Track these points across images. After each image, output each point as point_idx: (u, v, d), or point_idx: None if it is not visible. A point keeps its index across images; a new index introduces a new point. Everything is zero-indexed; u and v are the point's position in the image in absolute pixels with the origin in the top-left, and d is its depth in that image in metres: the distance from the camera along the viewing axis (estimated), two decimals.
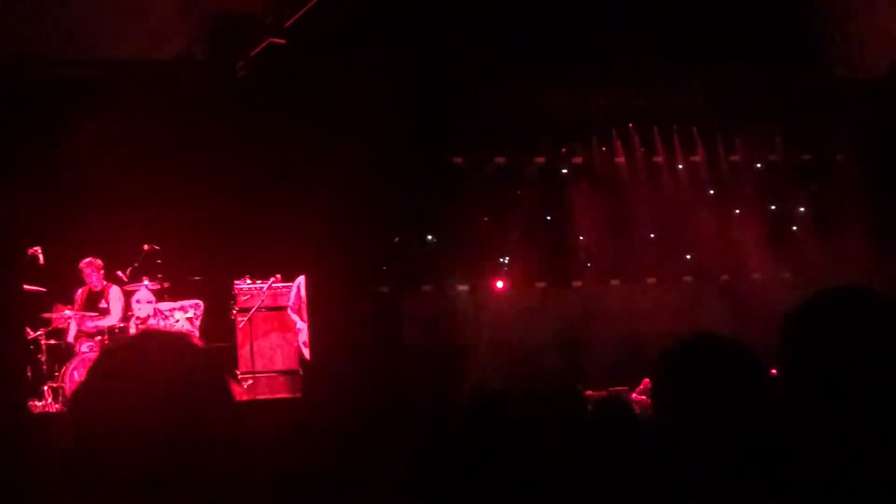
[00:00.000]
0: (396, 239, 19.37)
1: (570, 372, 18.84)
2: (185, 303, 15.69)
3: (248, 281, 16.13)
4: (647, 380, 18.53)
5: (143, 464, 2.12)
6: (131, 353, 2.32)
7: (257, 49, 15.33)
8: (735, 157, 21.51)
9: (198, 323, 15.55)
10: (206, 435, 2.19)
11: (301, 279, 16.24)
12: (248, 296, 16.05)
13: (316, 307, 16.62)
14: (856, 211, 19.96)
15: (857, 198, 20.11)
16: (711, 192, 21.48)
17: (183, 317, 15.52)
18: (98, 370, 2.30)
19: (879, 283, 19.09)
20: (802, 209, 21.39)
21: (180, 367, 2.26)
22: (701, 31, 18.35)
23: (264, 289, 16.06)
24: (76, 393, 2.31)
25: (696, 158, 21.33)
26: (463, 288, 20.19)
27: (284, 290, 16.25)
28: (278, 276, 16.21)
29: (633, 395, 18.16)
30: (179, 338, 2.49)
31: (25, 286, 14.71)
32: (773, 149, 21.50)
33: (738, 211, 21.44)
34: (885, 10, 18.06)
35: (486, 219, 20.36)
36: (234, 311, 15.96)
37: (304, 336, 16.04)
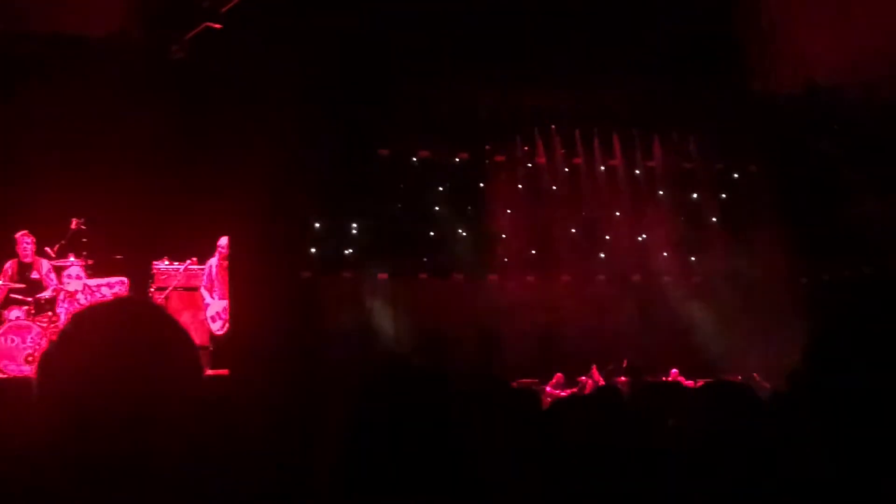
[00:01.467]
0: (317, 225, 19.55)
1: (484, 363, 19.22)
2: (112, 279, 15.83)
3: (167, 262, 16.30)
4: (559, 374, 19.04)
5: (110, 428, 2.12)
6: (105, 319, 2.30)
7: (193, 32, 15.42)
8: (652, 163, 21.99)
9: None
10: (175, 402, 2.21)
11: (213, 260, 16.43)
12: (166, 275, 16.23)
13: (236, 288, 16.80)
14: (765, 219, 20.50)
15: (766, 207, 20.65)
16: (628, 195, 21.93)
17: (109, 292, 15.66)
18: (70, 334, 2.26)
19: (784, 289, 19.84)
20: (714, 215, 21.90)
21: (154, 335, 2.26)
22: (627, 40, 18.85)
23: (181, 270, 16.24)
24: (46, 355, 2.27)
25: (615, 162, 21.78)
26: (383, 276, 20.41)
27: (199, 271, 16.43)
28: (194, 258, 16.37)
29: (547, 388, 18.60)
30: (154, 308, 2.54)
31: None
32: (689, 156, 22.02)
33: (652, 214, 21.94)
34: (801, 31, 18.63)
35: (408, 210, 20.61)
36: (152, 290, 16.12)
37: (212, 311, 16.28)
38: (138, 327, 2.27)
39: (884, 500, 2.45)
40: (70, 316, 2.59)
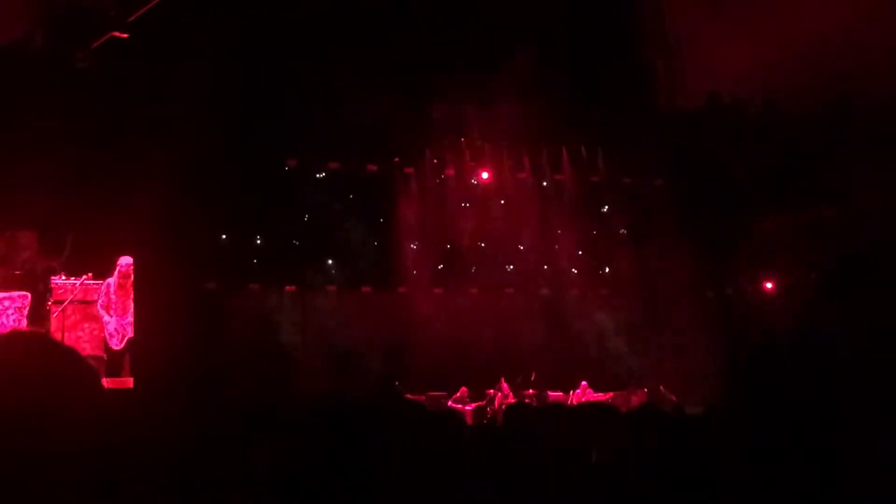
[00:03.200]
0: (224, 237, 19.38)
1: (392, 375, 19.18)
2: (15, 293, 15.87)
3: (63, 277, 16.28)
4: (464, 388, 19.06)
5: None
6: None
7: (98, 41, 15.21)
8: (560, 177, 22.13)
9: (26, 312, 15.82)
10: (72, 429, 2.15)
11: (112, 279, 16.40)
12: (63, 290, 16.24)
13: (142, 300, 16.62)
14: (671, 233, 20.74)
15: (673, 220, 20.90)
16: (536, 208, 22.04)
17: (13, 305, 15.68)
18: None
19: (690, 301, 20.10)
20: (621, 229, 22.10)
21: (49, 366, 2.20)
22: (537, 56, 19.00)
23: (77, 285, 16.24)
24: None
25: (523, 175, 21.88)
26: (290, 289, 20.28)
27: (94, 286, 16.42)
28: (90, 273, 16.32)
29: (450, 402, 18.61)
30: (46, 339, 2.38)
31: None
32: (597, 170, 22.21)
33: (560, 228, 22.07)
34: (704, 46, 18.92)
35: (317, 222, 20.49)
36: (50, 303, 16.10)
37: (110, 328, 16.29)
38: (32, 359, 2.21)
39: None
40: None
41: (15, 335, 2.44)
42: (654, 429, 3.87)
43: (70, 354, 2.30)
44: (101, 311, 16.43)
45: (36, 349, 2.26)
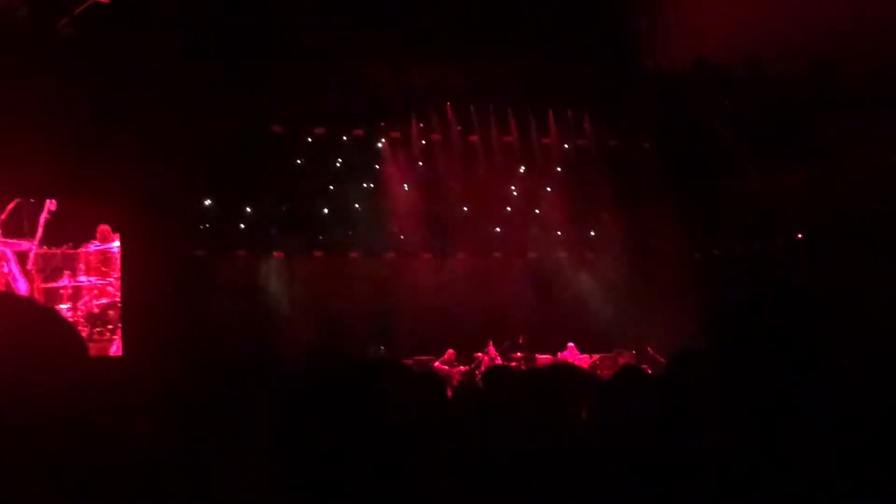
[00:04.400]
0: (210, 203, 19.34)
1: (380, 340, 19.23)
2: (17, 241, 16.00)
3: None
4: (451, 350, 19.11)
5: None
6: None
7: (80, 7, 15.13)
8: (547, 140, 22.11)
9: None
10: (56, 395, 2.13)
11: (93, 246, 16.44)
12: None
13: (129, 268, 16.63)
14: (658, 195, 20.77)
15: (659, 183, 20.92)
16: (523, 171, 22.05)
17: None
18: None
19: (677, 263, 20.16)
20: (608, 192, 22.08)
21: (31, 330, 2.17)
22: (521, 17, 18.93)
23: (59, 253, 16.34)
24: None
25: (510, 139, 21.86)
26: (278, 255, 20.28)
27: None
28: (70, 242, 16.36)
29: (436, 363, 18.68)
30: (31, 303, 2.40)
31: None
32: (583, 133, 22.19)
33: (547, 191, 22.08)
34: (690, 7, 18.87)
35: (303, 187, 20.47)
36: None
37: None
38: (14, 323, 2.19)
39: (785, 471, 2.44)
40: None
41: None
42: (631, 390, 3.89)
43: (53, 317, 2.28)
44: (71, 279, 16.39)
45: (16, 311, 2.24)
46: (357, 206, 20.96)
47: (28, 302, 2.40)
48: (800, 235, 19.81)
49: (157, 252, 16.69)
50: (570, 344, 19.79)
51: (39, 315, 2.26)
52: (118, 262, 16.92)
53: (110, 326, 16.73)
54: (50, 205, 16.22)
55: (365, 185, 21.06)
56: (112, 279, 16.91)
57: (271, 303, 19.68)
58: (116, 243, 16.96)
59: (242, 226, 19.86)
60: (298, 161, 20.34)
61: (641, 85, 20.88)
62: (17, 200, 16.12)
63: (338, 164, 20.82)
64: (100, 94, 16.00)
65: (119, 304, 16.83)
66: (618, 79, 20.74)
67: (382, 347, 18.64)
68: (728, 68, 20.62)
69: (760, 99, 19.93)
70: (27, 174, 15.56)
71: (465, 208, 21.65)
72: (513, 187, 21.97)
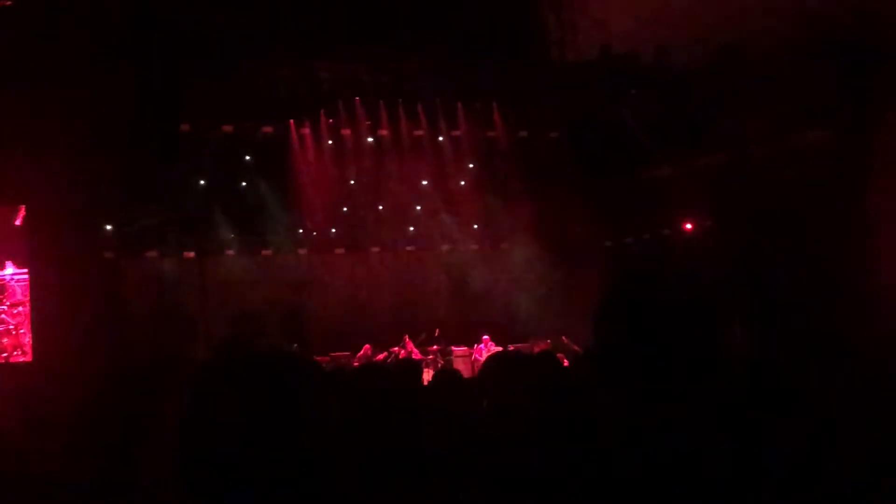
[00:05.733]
0: (119, 205, 19.09)
1: (294, 337, 19.15)
2: None
3: None
4: (367, 346, 19.11)
5: None
6: None
7: None
8: (456, 132, 22.16)
9: None
10: None
11: None
12: None
13: (37, 271, 16.41)
14: (569, 185, 20.90)
15: (570, 173, 21.07)
16: (434, 164, 22.08)
17: None
18: None
19: (590, 252, 20.35)
20: (519, 183, 22.18)
21: None
22: (427, 11, 18.95)
23: None
24: None
25: (420, 132, 21.87)
26: (188, 254, 20.10)
27: None
28: None
29: (354, 361, 18.67)
30: None
31: None
32: (492, 125, 22.26)
33: (459, 184, 22.15)
34: None
35: (213, 186, 20.31)
36: None
37: None
38: None
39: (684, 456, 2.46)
40: None
41: None
42: (542, 373, 3.92)
43: None
44: None
45: None
46: (269, 203, 20.85)
47: None
48: (708, 222, 20.09)
49: (66, 254, 16.46)
50: (485, 336, 19.88)
51: None
52: (11, 289, 16.74)
53: (5, 354, 16.57)
54: None
55: (276, 182, 20.94)
56: (5, 307, 16.74)
57: (183, 303, 19.49)
58: (9, 270, 16.79)
59: (152, 227, 19.64)
60: (208, 160, 20.15)
61: (548, 75, 21.01)
62: None
63: (248, 162, 20.69)
64: (9, 96, 15.73)
65: (13, 332, 16.65)
66: (525, 70, 20.85)
67: (296, 345, 18.56)
68: (634, 56, 20.85)
69: (667, 87, 20.17)
70: None
71: (378, 203, 21.66)
72: (424, 181, 22.00)
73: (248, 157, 20.69)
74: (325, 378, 2.35)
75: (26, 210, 16.41)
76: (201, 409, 2.23)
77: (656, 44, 20.29)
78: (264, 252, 21.00)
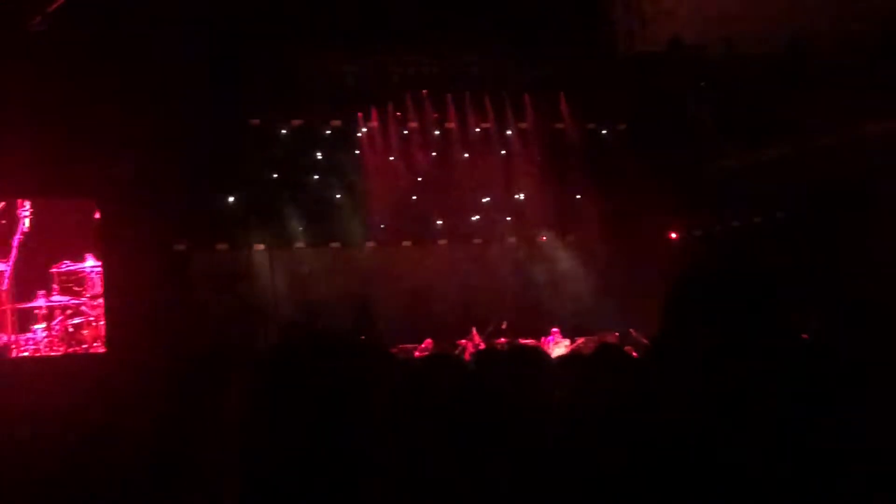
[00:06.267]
0: (190, 198, 19.28)
1: (363, 330, 19.21)
2: None
3: None
4: (428, 340, 19.14)
5: None
6: None
7: (54, 5, 15.08)
8: (524, 125, 22.10)
9: None
10: None
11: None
12: None
13: (109, 264, 16.61)
14: (637, 177, 20.77)
15: (638, 164, 20.94)
16: (502, 157, 22.04)
17: None
18: None
19: (659, 244, 20.23)
20: (587, 174, 22.08)
21: None
22: (495, 3, 18.93)
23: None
24: None
25: (487, 125, 21.85)
26: (259, 247, 20.26)
27: None
28: None
29: (416, 353, 18.69)
30: None
31: None
32: (560, 117, 22.16)
33: (526, 176, 22.07)
34: None
35: (283, 179, 20.45)
36: None
37: None
38: None
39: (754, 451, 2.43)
40: None
41: None
42: (608, 370, 3.90)
43: None
44: None
45: None
46: (337, 196, 20.95)
47: None
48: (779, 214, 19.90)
49: (137, 247, 16.66)
50: (554, 328, 19.82)
51: None
52: (91, 281, 16.96)
53: (84, 345, 16.78)
54: (23, 225, 16.21)
55: (344, 175, 21.03)
56: (85, 298, 16.96)
57: (253, 295, 19.65)
58: (89, 262, 17.00)
59: (223, 219, 19.81)
60: (277, 153, 20.29)
61: (616, 67, 20.90)
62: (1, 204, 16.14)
63: (317, 156, 20.79)
64: (74, 91, 15.93)
65: (92, 324, 16.85)
66: (593, 61, 20.74)
67: (363, 336, 18.63)
68: (702, 48, 20.66)
69: (736, 77, 19.98)
70: (7, 175, 15.51)
71: (445, 196, 21.65)
72: (491, 173, 21.95)
73: (316, 151, 20.79)
74: (395, 366, 2.36)
75: (98, 204, 16.62)
76: (266, 395, 2.23)
77: (725, 35, 20.09)
78: (332, 244, 21.08)
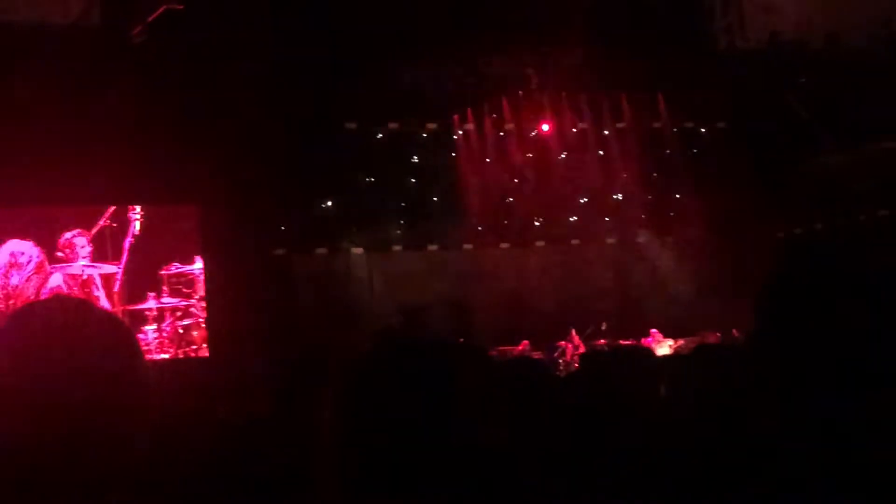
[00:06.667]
0: (288, 202, 19.48)
1: (460, 332, 19.24)
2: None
3: None
4: (525, 342, 19.11)
5: (49, 428, 2.00)
6: (42, 315, 2.17)
7: (154, 15, 15.31)
8: (621, 124, 21.95)
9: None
10: (115, 403, 2.07)
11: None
12: None
13: (211, 268, 16.83)
14: (737, 176, 20.53)
15: (738, 163, 20.69)
16: (598, 157, 21.92)
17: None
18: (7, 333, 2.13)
19: (758, 243, 19.95)
20: (685, 173, 21.89)
21: (92, 333, 2.13)
22: (590, 2, 18.82)
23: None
24: None
25: (584, 125, 21.74)
26: (357, 251, 20.39)
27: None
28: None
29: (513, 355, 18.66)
30: (88, 304, 2.34)
31: None
32: (657, 116, 21.98)
33: (624, 175, 21.93)
34: None
35: (379, 183, 20.58)
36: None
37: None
38: (74, 325, 2.14)
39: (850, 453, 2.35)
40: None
41: (55, 301, 2.45)
42: (709, 368, 3.85)
43: (110, 320, 2.25)
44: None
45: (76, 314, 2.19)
46: (434, 199, 21.01)
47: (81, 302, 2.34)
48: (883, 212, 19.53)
49: (238, 251, 16.86)
50: (653, 330, 19.67)
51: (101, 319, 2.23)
52: (200, 283, 17.16)
53: (194, 346, 16.99)
54: (133, 229, 16.48)
55: (440, 178, 21.09)
56: (195, 300, 17.16)
57: (352, 298, 19.79)
58: (198, 265, 17.21)
59: (321, 224, 20.01)
60: (374, 157, 20.43)
61: (715, 64, 20.67)
62: (111, 208, 16.40)
63: (413, 159, 20.88)
64: (176, 96, 16.18)
65: (202, 325, 17.05)
66: (691, 58, 20.52)
67: (462, 339, 18.65)
68: (803, 43, 20.35)
69: (838, 72, 19.64)
70: (113, 182, 15.77)
71: (542, 197, 21.58)
72: (588, 174, 21.84)
73: (413, 154, 20.88)
74: (494, 368, 2.34)
75: (199, 210, 16.84)
76: (361, 397, 2.22)
77: (826, 29, 19.76)
78: (430, 247, 21.14)
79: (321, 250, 20.08)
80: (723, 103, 21.35)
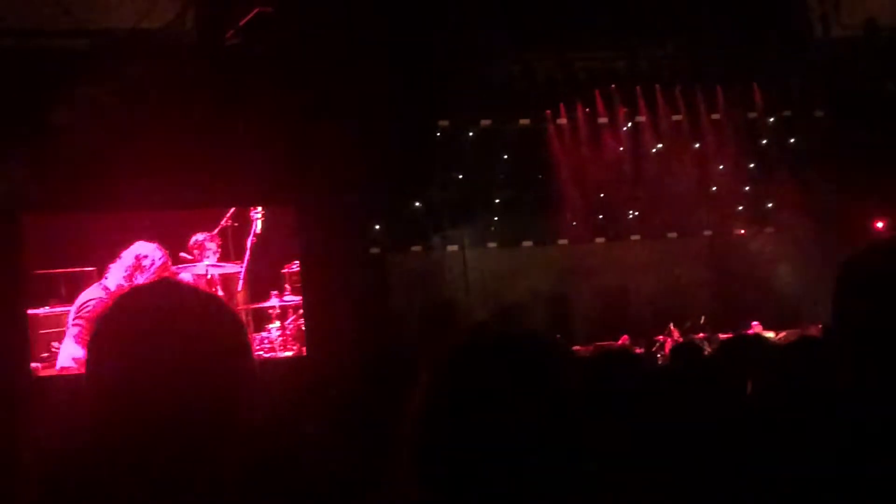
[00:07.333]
0: (382, 201, 19.58)
1: (557, 329, 19.19)
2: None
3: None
4: (625, 336, 18.98)
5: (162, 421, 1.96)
6: (153, 299, 2.13)
7: (246, 18, 15.49)
8: (716, 115, 21.69)
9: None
10: (226, 390, 2.04)
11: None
12: None
13: (307, 268, 16.96)
14: (835, 164, 20.20)
15: (836, 151, 20.36)
16: (694, 149, 21.69)
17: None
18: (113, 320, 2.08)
19: (858, 234, 19.58)
20: (783, 164, 21.58)
21: (207, 319, 2.09)
22: None
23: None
24: (94, 337, 2.09)
25: (678, 117, 21.52)
26: (451, 248, 20.44)
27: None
28: None
29: None
30: (196, 290, 2.28)
31: None
32: (753, 106, 21.68)
33: (720, 167, 21.69)
34: None
35: (473, 180, 20.59)
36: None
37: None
38: (184, 310, 2.09)
39: None
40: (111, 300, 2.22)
41: (163, 284, 2.39)
42: (801, 358, 3.78)
43: (221, 306, 2.19)
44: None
45: (189, 299, 2.14)
46: (528, 195, 20.96)
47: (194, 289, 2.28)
48: None
49: (334, 251, 16.97)
50: (755, 322, 19.41)
51: (210, 303, 2.18)
52: None
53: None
54: (255, 227, 16.63)
55: (534, 173, 21.04)
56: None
57: (447, 296, 19.84)
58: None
59: (416, 222, 20.10)
60: (467, 154, 20.44)
61: (811, 52, 20.35)
62: (233, 209, 16.55)
63: (506, 155, 20.84)
64: (270, 97, 16.32)
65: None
66: (786, 47, 20.22)
67: (559, 335, 18.60)
68: None
69: None
70: (213, 185, 15.97)
71: (637, 191, 21.44)
72: (684, 166, 21.62)
73: (506, 150, 20.84)
74: (575, 363, 2.30)
75: (295, 210, 16.98)
76: (445, 392, 2.20)
77: None
78: (525, 244, 21.11)
79: (416, 248, 20.16)
80: (819, 92, 21.00)
